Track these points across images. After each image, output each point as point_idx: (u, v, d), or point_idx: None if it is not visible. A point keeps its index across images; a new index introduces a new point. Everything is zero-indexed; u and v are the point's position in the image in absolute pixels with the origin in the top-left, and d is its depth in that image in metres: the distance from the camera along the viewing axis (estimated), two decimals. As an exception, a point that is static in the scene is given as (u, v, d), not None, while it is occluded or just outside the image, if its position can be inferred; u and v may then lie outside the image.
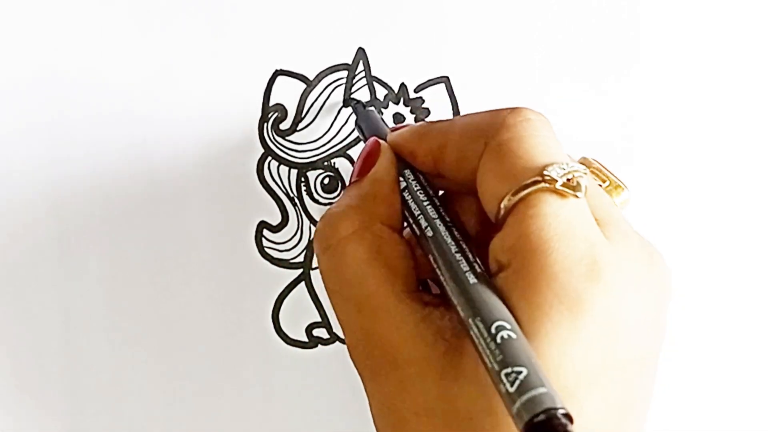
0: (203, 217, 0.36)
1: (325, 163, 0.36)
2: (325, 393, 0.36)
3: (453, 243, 0.27)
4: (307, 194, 0.36)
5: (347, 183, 0.31)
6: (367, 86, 0.36)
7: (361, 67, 0.36)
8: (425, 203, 0.28)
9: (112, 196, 0.36)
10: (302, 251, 0.36)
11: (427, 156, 0.29)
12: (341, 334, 0.36)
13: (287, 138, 0.36)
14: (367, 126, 0.34)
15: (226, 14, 0.36)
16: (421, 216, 0.28)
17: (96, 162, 0.36)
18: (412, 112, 0.36)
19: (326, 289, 0.29)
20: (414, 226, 0.29)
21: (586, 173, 0.26)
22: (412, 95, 0.37)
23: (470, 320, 0.24)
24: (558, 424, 0.21)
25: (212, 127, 0.36)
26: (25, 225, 0.36)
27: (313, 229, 0.36)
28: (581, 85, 0.37)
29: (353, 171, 0.31)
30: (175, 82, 0.36)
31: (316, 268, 0.36)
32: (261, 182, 0.36)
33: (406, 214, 0.29)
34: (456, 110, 0.36)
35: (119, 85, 0.36)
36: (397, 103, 0.36)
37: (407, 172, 0.30)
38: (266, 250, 0.36)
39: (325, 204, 0.36)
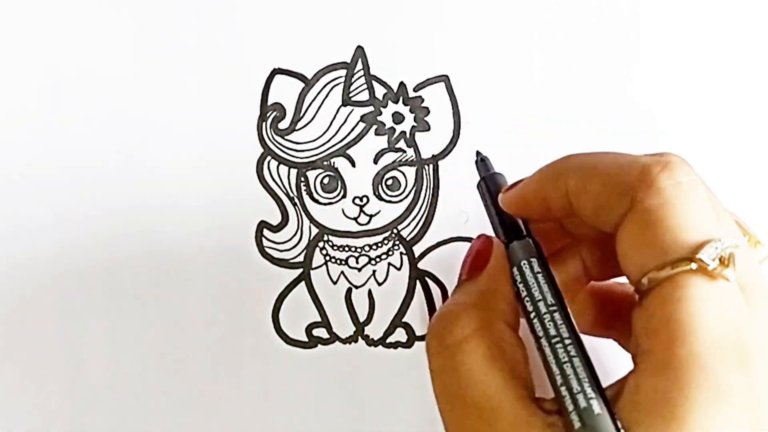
0: (203, 217, 0.36)
1: (325, 163, 0.36)
2: (324, 393, 0.36)
3: (558, 372, 0.25)
4: (306, 194, 0.36)
5: (457, 278, 0.30)
6: (365, 85, 0.36)
7: (359, 65, 0.36)
8: (542, 310, 0.27)
9: (111, 196, 0.35)
10: (302, 251, 0.36)
11: (562, 200, 0.27)
12: (340, 334, 0.36)
13: (286, 137, 0.36)
14: (491, 184, 0.31)
15: (224, 13, 0.36)
16: (538, 325, 0.26)
17: (94, 162, 0.35)
18: (411, 111, 0.36)
19: (436, 392, 0.27)
20: (529, 328, 0.27)
21: (738, 247, 0.24)
22: (412, 94, 0.36)
23: None
24: None
25: (211, 127, 0.36)
26: (24, 225, 0.35)
27: (313, 228, 0.36)
28: (581, 85, 0.37)
29: (462, 269, 0.29)
30: (173, 82, 0.36)
31: (316, 268, 0.36)
32: (261, 182, 0.36)
33: (522, 311, 0.27)
34: (456, 109, 0.36)
35: (118, 85, 0.35)
36: (396, 102, 0.36)
37: (523, 263, 0.28)
38: (266, 250, 0.36)
39: (325, 204, 0.36)
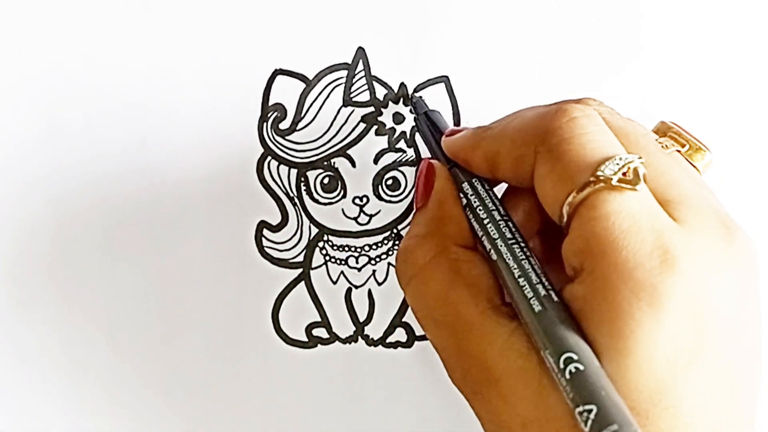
0: (203, 216, 0.36)
1: (325, 163, 0.36)
2: (324, 393, 0.36)
3: (516, 267, 0.27)
4: (306, 194, 0.36)
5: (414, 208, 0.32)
6: (366, 86, 0.36)
7: (360, 66, 0.36)
8: (486, 221, 0.29)
9: (112, 195, 0.36)
10: (302, 251, 0.36)
11: (483, 164, 0.29)
12: (340, 334, 0.36)
13: (287, 138, 0.36)
14: (429, 124, 0.34)
15: (226, 14, 0.36)
16: (485, 237, 0.28)
17: (96, 161, 0.36)
18: (411, 111, 0.36)
19: (417, 319, 0.29)
20: (479, 245, 0.29)
21: (642, 160, 0.26)
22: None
23: (542, 352, 0.25)
24: None
25: (212, 127, 0.36)
26: (24, 224, 0.36)
27: (313, 228, 0.36)
28: (581, 85, 0.37)
29: (415, 198, 0.31)
30: (174, 82, 0.36)
31: (315, 268, 0.36)
32: (261, 182, 0.36)
33: (474, 234, 0.29)
34: (456, 110, 0.36)
35: (119, 85, 0.36)
36: (396, 103, 0.36)
37: (465, 186, 0.30)
38: (266, 249, 0.36)
39: (324, 204, 0.36)
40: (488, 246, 0.28)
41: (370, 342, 0.36)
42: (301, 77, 0.36)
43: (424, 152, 0.36)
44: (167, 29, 0.36)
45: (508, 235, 0.28)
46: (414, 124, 0.36)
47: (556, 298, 0.26)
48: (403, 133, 0.36)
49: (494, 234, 0.28)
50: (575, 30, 0.37)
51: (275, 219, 0.36)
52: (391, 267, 0.36)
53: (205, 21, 0.36)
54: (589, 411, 0.22)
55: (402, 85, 0.36)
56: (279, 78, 0.36)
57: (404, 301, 0.36)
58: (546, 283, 0.26)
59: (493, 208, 0.29)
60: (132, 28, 0.36)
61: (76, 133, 0.36)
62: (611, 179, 0.25)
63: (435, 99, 0.36)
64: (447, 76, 0.36)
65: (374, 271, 0.36)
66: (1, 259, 0.36)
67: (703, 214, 0.26)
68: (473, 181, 0.30)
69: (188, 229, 0.36)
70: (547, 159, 0.27)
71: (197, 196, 0.36)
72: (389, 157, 0.36)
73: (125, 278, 0.36)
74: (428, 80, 0.36)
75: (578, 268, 0.25)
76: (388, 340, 0.36)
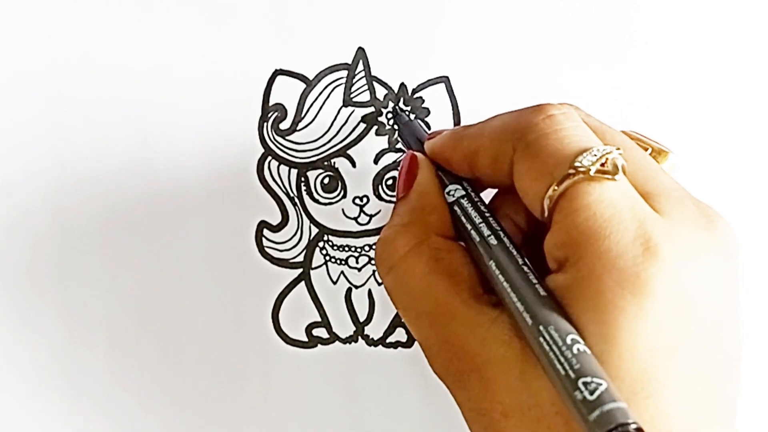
0: (203, 216, 0.36)
1: (325, 163, 0.36)
2: (324, 393, 0.36)
3: (516, 253, 0.27)
4: (307, 194, 0.36)
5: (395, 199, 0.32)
6: (366, 86, 0.36)
7: (360, 66, 0.36)
8: (476, 218, 0.29)
9: (112, 196, 0.36)
10: (302, 251, 0.36)
11: (462, 163, 0.30)
12: (340, 334, 0.36)
13: (287, 138, 0.36)
14: (409, 134, 0.34)
15: (226, 14, 0.36)
16: (473, 231, 0.28)
17: (96, 162, 0.36)
18: (411, 112, 0.36)
19: (397, 308, 0.29)
20: (468, 240, 0.29)
21: (620, 151, 0.26)
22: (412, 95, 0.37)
23: (541, 328, 0.24)
24: None
25: (212, 127, 0.36)
26: (25, 224, 0.36)
27: (314, 228, 0.36)
28: (581, 85, 0.37)
29: (397, 189, 0.31)
30: (174, 82, 0.36)
31: (316, 268, 0.36)
32: (261, 182, 0.36)
33: (460, 227, 0.29)
34: (456, 110, 0.36)
35: (120, 85, 0.36)
36: (396, 103, 0.36)
37: (453, 186, 0.30)
38: (266, 249, 0.36)
39: (325, 204, 0.36)
40: (486, 233, 0.28)
41: (370, 342, 0.36)
42: (301, 77, 0.36)
43: (424, 152, 0.36)
44: (168, 29, 0.36)
45: (500, 230, 0.28)
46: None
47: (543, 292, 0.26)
48: (404, 133, 0.36)
49: (486, 231, 0.28)
50: (575, 30, 0.37)
51: (275, 219, 0.36)
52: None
53: (205, 21, 0.36)
54: (598, 384, 0.22)
55: (402, 85, 0.36)
56: (279, 78, 0.36)
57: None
58: (534, 272, 0.26)
59: (479, 201, 0.29)
60: (133, 28, 0.36)
61: (76, 132, 0.36)
62: (590, 169, 0.25)
63: (435, 99, 0.36)
64: (447, 76, 0.36)
65: (374, 271, 0.36)
66: (1, 259, 0.36)
67: (684, 205, 0.26)
68: (461, 180, 0.30)
69: (188, 229, 0.36)
70: (525, 155, 0.27)
71: (198, 195, 0.36)
72: (389, 157, 0.36)
73: (125, 278, 0.36)
74: (428, 80, 0.36)
75: (562, 260, 0.25)
76: (388, 340, 0.36)
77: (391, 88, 0.36)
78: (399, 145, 0.36)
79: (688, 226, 0.25)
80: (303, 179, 0.36)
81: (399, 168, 0.31)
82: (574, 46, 0.37)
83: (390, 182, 0.36)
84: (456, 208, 0.29)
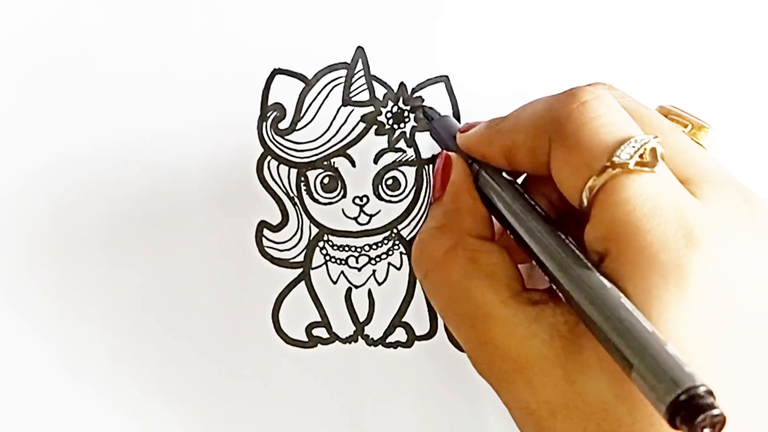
0: (203, 216, 0.36)
1: (325, 163, 0.36)
2: (324, 392, 0.36)
3: (556, 238, 0.27)
4: (306, 194, 0.36)
5: (428, 198, 0.33)
6: (366, 85, 0.36)
7: (360, 66, 0.36)
8: (513, 205, 0.28)
9: (112, 195, 0.36)
10: (302, 251, 0.36)
11: (499, 158, 0.29)
12: (340, 334, 0.36)
13: (286, 137, 0.36)
14: (441, 128, 0.34)
15: (225, 13, 0.36)
16: (512, 218, 0.28)
17: (95, 161, 0.36)
18: (411, 111, 0.36)
19: (438, 312, 0.29)
20: (507, 228, 0.29)
21: (659, 139, 0.25)
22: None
23: (592, 307, 0.24)
24: (703, 402, 0.21)
25: (211, 127, 0.36)
26: (24, 224, 0.36)
27: (313, 228, 0.36)
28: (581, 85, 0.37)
29: (432, 190, 0.31)
30: (173, 82, 0.36)
31: (315, 268, 0.36)
32: (261, 182, 0.36)
33: (501, 219, 0.29)
34: (456, 110, 0.36)
35: (118, 85, 0.35)
36: (396, 103, 0.36)
37: (483, 175, 0.30)
38: (266, 249, 0.36)
39: (325, 203, 0.36)
40: (517, 225, 0.28)
41: (370, 342, 0.36)
42: (300, 77, 0.36)
43: (424, 152, 0.36)
44: (166, 28, 0.36)
45: (539, 211, 0.28)
46: (415, 124, 0.36)
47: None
48: (403, 133, 0.36)
49: (524, 215, 0.28)
50: (575, 30, 0.37)
51: (275, 219, 0.36)
52: (391, 267, 0.36)
53: (204, 20, 0.36)
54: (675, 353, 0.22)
55: (402, 84, 0.36)
56: (278, 77, 0.36)
57: (404, 301, 0.36)
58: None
59: (516, 190, 0.29)
60: (132, 28, 0.35)
61: (75, 132, 0.35)
62: (628, 163, 0.25)
63: (435, 99, 0.36)
64: (447, 76, 0.36)
65: (374, 271, 0.36)
66: (0, 259, 0.36)
67: (724, 190, 0.26)
68: (491, 171, 0.30)
69: (188, 229, 0.36)
70: (562, 147, 0.26)
71: (197, 195, 0.36)
72: (389, 157, 0.36)
73: (125, 278, 0.36)
74: (428, 80, 0.36)
75: (603, 254, 0.25)
76: (388, 340, 0.36)
77: (390, 87, 0.36)
78: (399, 145, 0.36)
79: (728, 211, 0.25)
80: (303, 179, 0.36)
81: (434, 169, 0.31)
82: (574, 46, 0.37)
83: (390, 182, 0.36)
84: (494, 197, 0.29)
